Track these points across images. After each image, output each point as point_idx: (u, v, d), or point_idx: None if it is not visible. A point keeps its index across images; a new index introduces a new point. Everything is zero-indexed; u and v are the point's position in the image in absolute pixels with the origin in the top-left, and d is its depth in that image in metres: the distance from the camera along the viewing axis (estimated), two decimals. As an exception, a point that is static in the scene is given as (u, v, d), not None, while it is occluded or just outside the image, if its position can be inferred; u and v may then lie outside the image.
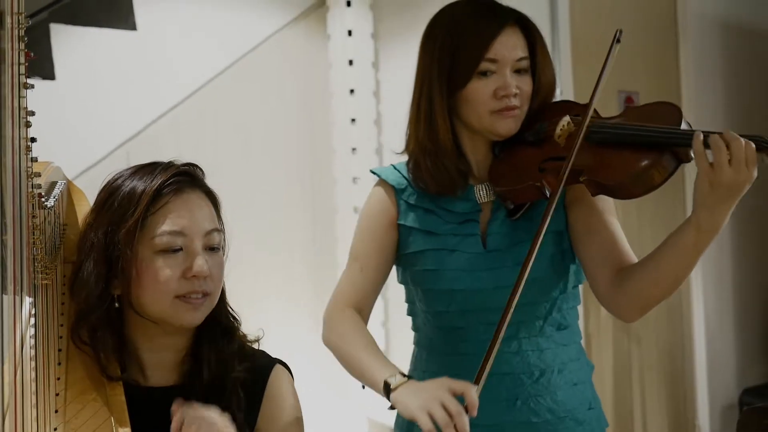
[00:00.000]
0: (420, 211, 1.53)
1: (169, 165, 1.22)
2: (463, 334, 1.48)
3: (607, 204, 1.49)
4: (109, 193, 1.20)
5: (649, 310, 1.43)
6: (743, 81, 3.97)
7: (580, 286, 1.59)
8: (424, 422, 1.24)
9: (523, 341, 1.48)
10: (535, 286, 1.44)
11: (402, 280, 1.60)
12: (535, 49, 1.48)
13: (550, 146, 1.45)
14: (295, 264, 3.35)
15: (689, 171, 3.71)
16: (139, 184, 1.18)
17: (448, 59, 1.47)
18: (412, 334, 1.68)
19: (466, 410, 1.24)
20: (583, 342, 3.21)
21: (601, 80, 1.43)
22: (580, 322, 3.17)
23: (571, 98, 3.12)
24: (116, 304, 1.18)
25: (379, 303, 3.32)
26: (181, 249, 1.17)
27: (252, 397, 1.24)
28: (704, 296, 3.66)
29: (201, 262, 1.16)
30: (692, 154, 1.28)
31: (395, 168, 1.59)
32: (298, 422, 1.27)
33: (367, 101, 3.35)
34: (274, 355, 1.31)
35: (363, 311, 1.54)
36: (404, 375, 1.35)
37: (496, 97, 1.44)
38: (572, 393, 1.50)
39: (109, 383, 1.17)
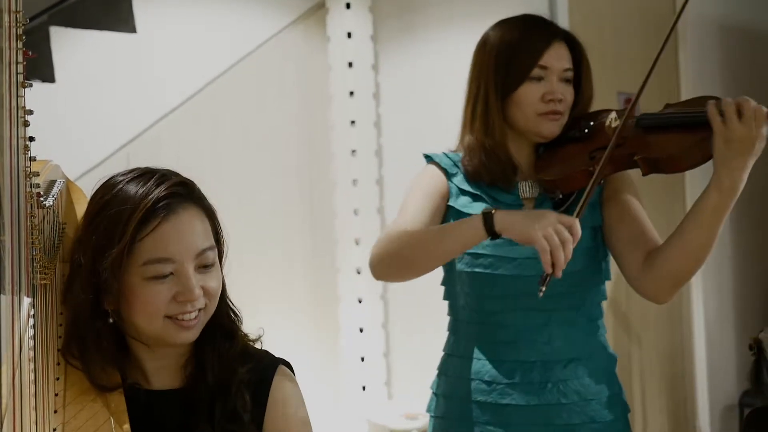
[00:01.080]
0: (469, 197, 1.66)
1: (161, 181, 1.15)
2: (502, 320, 1.62)
3: (636, 198, 1.65)
4: (100, 207, 1.15)
5: (679, 287, 1.57)
6: (742, 83, 3.97)
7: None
8: (542, 245, 1.39)
9: (554, 331, 1.61)
10: (572, 278, 1.54)
11: None
12: (580, 64, 1.67)
13: (599, 138, 1.62)
14: (294, 266, 3.35)
15: (689, 176, 3.72)
16: (126, 206, 1.11)
17: (504, 64, 1.63)
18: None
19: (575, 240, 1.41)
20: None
21: (652, 70, 1.63)
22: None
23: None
24: (111, 320, 1.15)
25: (378, 304, 3.33)
26: (171, 274, 1.13)
27: (257, 399, 1.23)
28: (704, 298, 3.66)
29: (192, 288, 1.13)
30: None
31: (447, 155, 1.71)
32: (305, 422, 1.27)
33: (367, 103, 3.35)
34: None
35: None
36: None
37: (543, 101, 1.62)
38: (598, 379, 1.63)
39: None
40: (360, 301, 3.25)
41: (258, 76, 3.29)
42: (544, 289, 1.42)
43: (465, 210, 1.63)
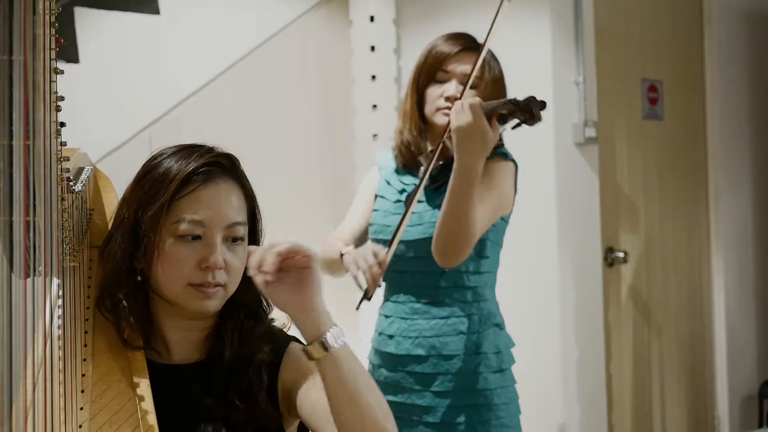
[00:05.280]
0: (385, 183, 2.09)
1: (207, 151, 1.23)
2: (402, 276, 2.02)
3: (486, 186, 1.88)
4: (146, 170, 1.22)
5: (448, 255, 1.84)
6: (767, 70, 3.92)
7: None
8: (352, 269, 1.91)
9: (423, 291, 1.99)
10: (429, 244, 1.89)
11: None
12: (483, 70, 1.98)
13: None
14: (314, 249, 3.36)
15: (712, 164, 3.68)
16: (172, 167, 1.19)
17: (421, 68, 2.04)
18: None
19: (380, 266, 1.87)
20: (602, 332, 3.21)
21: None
22: (599, 314, 3.17)
23: (594, 88, 3.10)
24: (139, 278, 1.20)
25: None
26: (200, 237, 1.18)
27: (270, 376, 1.24)
28: (725, 287, 3.64)
29: (216, 255, 1.17)
30: None
31: (387, 153, 2.15)
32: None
33: (389, 87, 3.34)
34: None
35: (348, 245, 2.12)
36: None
37: (442, 98, 1.97)
38: (457, 339, 1.96)
39: (133, 357, 1.19)
40: (380, 286, 3.26)
41: (280, 59, 3.29)
42: (359, 305, 1.94)
43: (379, 193, 2.09)
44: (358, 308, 1.98)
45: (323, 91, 3.42)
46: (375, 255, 1.88)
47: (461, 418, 1.93)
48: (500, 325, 2.02)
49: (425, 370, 1.96)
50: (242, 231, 1.22)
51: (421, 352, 1.97)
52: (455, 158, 1.76)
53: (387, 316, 2.05)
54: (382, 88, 3.33)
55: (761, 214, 3.86)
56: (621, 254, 3.25)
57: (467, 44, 2.01)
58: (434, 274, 1.96)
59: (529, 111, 1.73)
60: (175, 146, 1.24)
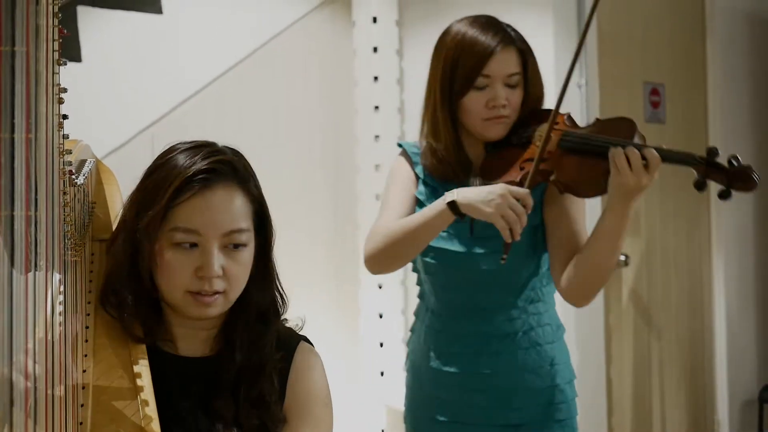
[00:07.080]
0: (429, 189, 1.81)
1: (210, 154, 1.18)
2: (448, 298, 1.80)
3: (576, 205, 1.73)
4: (152, 170, 1.20)
5: (589, 296, 1.69)
6: (770, 75, 3.92)
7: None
8: (501, 224, 1.58)
9: (496, 314, 1.77)
10: (508, 273, 1.73)
11: None
12: (527, 66, 1.75)
13: (530, 149, 1.72)
14: (317, 250, 3.35)
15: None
16: (173, 171, 1.16)
17: (450, 73, 1.73)
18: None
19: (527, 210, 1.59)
20: (603, 335, 3.21)
21: (563, 95, 1.67)
22: (600, 316, 3.17)
23: (596, 91, 3.10)
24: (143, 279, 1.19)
25: (398, 290, 3.33)
26: (197, 245, 1.16)
27: (280, 376, 1.24)
28: (726, 290, 3.64)
29: (211, 263, 1.15)
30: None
31: (415, 145, 1.86)
32: (325, 402, 1.28)
33: (391, 89, 3.34)
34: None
35: None
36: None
37: (488, 107, 1.72)
38: (533, 352, 1.78)
39: (136, 354, 1.18)
40: (380, 287, 3.26)
41: (283, 59, 3.29)
42: (505, 256, 1.63)
43: (421, 197, 1.80)
44: (504, 261, 1.64)
45: (325, 92, 3.41)
46: (519, 198, 1.59)
47: None
48: (563, 332, 1.90)
49: (502, 385, 1.78)
50: (244, 237, 1.19)
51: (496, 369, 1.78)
52: (614, 206, 1.56)
53: (439, 331, 1.83)
54: (385, 90, 3.33)
55: (762, 216, 3.86)
56: (622, 257, 3.24)
57: (505, 38, 1.73)
58: (511, 286, 1.78)
59: (741, 177, 1.46)
60: (185, 144, 1.20)
